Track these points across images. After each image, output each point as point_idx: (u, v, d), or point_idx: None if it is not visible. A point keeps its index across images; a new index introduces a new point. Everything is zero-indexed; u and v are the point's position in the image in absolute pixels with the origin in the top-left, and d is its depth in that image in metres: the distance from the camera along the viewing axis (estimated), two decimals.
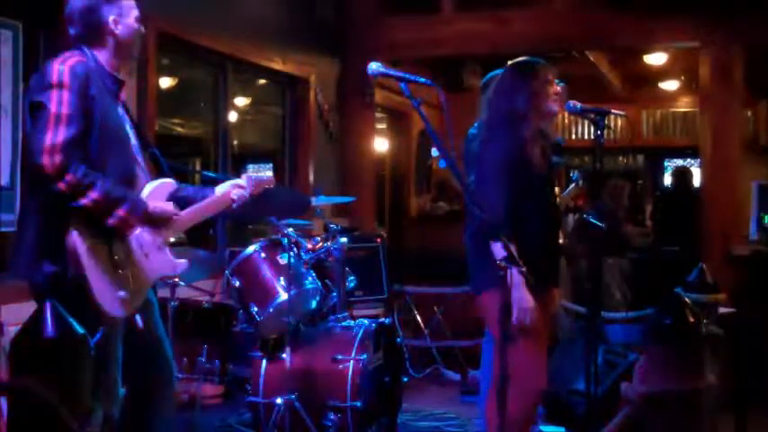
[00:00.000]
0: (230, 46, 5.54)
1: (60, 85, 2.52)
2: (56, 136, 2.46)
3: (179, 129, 7.14)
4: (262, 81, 6.73)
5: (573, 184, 4.16)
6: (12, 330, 3.11)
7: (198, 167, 6.88)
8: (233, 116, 6.24)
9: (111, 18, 2.70)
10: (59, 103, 2.50)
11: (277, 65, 6.10)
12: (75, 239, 2.49)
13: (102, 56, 2.71)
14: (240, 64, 5.84)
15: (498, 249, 3.03)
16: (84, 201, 2.49)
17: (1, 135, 3.87)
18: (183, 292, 4.26)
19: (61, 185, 2.46)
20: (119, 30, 2.71)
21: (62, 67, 2.56)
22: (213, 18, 5.24)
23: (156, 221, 2.71)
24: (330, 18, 6.80)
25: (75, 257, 2.49)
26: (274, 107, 6.75)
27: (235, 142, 6.26)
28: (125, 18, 2.73)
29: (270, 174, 6.50)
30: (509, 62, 3.44)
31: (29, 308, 2.26)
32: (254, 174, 3.20)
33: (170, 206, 2.77)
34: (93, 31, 2.70)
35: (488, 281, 3.11)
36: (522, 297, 3.02)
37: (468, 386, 5.55)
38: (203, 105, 6.27)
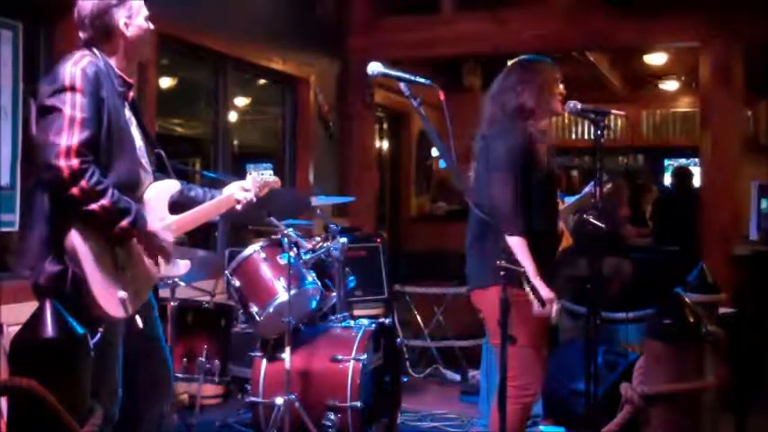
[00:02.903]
0: (230, 46, 5.54)
1: (73, 89, 2.51)
2: (71, 139, 2.45)
3: (179, 129, 7.14)
4: (262, 81, 6.73)
5: (588, 188, 4.13)
6: (12, 330, 3.11)
7: (198, 167, 6.88)
8: (233, 116, 6.24)
9: (122, 21, 2.68)
10: (73, 106, 2.49)
11: (277, 65, 6.10)
12: (75, 239, 2.49)
13: (113, 58, 2.70)
14: (240, 64, 5.84)
15: (516, 243, 3.02)
16: (92, 206, 2.48)
17: (1, 135, 3.86)
18: (183, 292, 4.26)
19: (74, 190, 2.45)
20: (129, 31, 2.70)
21: (74, 69, 2.54)
22: (213, 18, 5.24)
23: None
24: (330, 18, 6.80)
25: (74, 257, 2.48)
26: (274, 107, 6.76)
27: (235, 142, 6.26)
28: (135, 19, 2.71)
29: (272, 174, 6.49)
30: (517, 59, 3.43)
31: (29, 308, 2.26)
32: (259, 175, 3.17)
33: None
34: (104, 35, 2.68)
35: (489, 278, 3.11)
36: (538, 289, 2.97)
37: (468, 386, 5.55)
38: (203, 105, 6.27)
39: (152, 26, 2.80)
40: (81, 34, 2.70)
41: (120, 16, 2.68)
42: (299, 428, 3.76)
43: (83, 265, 2.49)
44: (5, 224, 3.81)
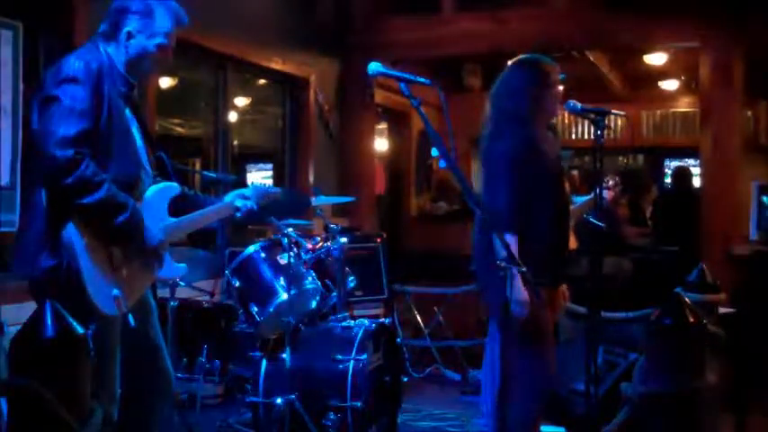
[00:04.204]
0: (230, 46, 5.54)
1: (75, 80, 2.53)
2: (68, 129, 2.47)
3: (179, 129, 7.14)
4: (262, 81, 6.73)
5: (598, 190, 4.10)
6: (12, 330, 3.11)
7: (198, 167, 6.88)
8: (233, 116, 6.24)
9: (127, 29, 2.68)
10: (73, 97, 2.51)
11: (277, 65, 6.10)
12: (72, 234, 2.49)
13: (117, 56, 2.70)
14: (240, 64, 5.84)
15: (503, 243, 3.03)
16: (87, 200, 2.48)
17: (1, 135, 3.86)
18: (183, 292, 4.26)
19: (69, 180, 2.45)
20: (130, 43, 2.69)
21: (78, 62, 2.56)
22: (213, 18, 5.24)
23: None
24: (330, 18, 6.80)
25: (70, 249, 2.48)
26: (274, 107, 6.76)
27: (235, 142, 6.26)
28: (143, 36, 2.69)
29: (272, 174, 6.48)
30: (517, 58, 3.42)
31: (29, 308, 2.26)
32: (260, 184, 3.17)
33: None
34: (112, 31, 2.70)
35: (493, 279, 3.11)
36: (517, 290, 3.00)
37: (468, 386, 5.55)
38: (203, 105, 6.27)
39: (158, 54, 2.73)
40: (101, 23, 2.72)
41: (130, 24, 2.68)
42: (299, 428, 3.76)
43: (78, 258, 2.49)
44: (5, 224, 3.81)
